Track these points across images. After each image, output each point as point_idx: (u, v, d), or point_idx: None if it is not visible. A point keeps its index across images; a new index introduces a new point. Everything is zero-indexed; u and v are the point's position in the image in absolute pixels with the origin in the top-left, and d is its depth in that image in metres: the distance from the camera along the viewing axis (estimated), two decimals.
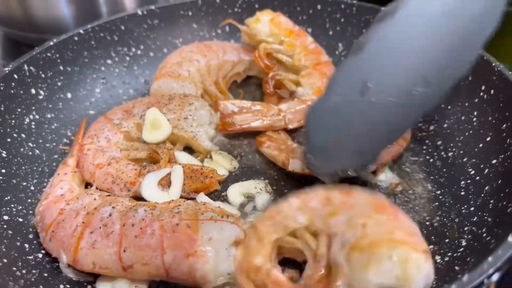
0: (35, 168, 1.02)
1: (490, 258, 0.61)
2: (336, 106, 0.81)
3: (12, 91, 1.04)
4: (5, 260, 0.76)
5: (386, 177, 0.99)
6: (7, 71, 1.03)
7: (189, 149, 1.07)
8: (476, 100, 1.02)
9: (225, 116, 1.09)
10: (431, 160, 1.04)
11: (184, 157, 1.02)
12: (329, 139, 0.84)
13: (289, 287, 0.71)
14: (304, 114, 0.96)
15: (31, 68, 1.09)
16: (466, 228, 0.84)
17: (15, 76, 1.05)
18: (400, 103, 0.78)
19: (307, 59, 1.20)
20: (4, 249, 0.79)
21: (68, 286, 0.80)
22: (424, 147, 1.08)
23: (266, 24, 1.24)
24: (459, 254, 0.78)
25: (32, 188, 0.98)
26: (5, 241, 0.81)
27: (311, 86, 1.15)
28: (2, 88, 1.01)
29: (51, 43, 1.14)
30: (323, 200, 0.79)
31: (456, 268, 0.75)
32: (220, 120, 1.09)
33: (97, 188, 0.96)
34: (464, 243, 0.81)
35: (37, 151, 1.05)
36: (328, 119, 0.83)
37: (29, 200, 0.95)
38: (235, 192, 0.96)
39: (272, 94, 1.17)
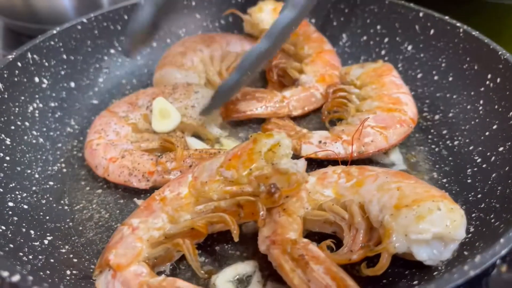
0: (39, 156, 1.01)
1: (502, 240, 0.61)
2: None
3: (15, 79, 1.03)
4: (11, 245, 0.75)
5: (397, 158, 1.00)
6: (10, 59, 1.02)
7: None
8: (482, 89, 1.02)
9: (229, 103, 1.08)
10: (437, 149, 1.04)
11: (196, 144, 1.02)
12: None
13: (329, 259, 0.72)
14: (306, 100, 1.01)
15: (35, 56, 1.08)
16: (473, 215, 0.84)
17: (19, 64, 1.04)
18: None
19: (310, 47, 1.21)
20: (10, 235, 0.78)
21: (74, 271, 0.79)
22: (430, 137, 1.08)
23: (268, 13, 1.24)
24: (467, 240, 0.78)
25: (37, 176, 0.98)
26: (11, 227, 0.81)
27: (314, 73, 1.15)
28: (5, 75, 1.00)
29: (54, 32, 1.14)
30: (343, 175, 0.84)
31: (465, 253, 0.75)
32: (224, 107, 1.09)
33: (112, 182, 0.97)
34: (472, 229, 0.81)
35: (41, 140, 1.04)
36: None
37: (34, 188, 0.95)
38: None
39: (276, 82, 1.17)
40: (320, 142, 0.98)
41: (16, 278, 0.58)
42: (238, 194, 0.76)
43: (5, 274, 0.59)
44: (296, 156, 0.98)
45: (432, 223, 0.69)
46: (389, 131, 0.97)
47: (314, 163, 0.99)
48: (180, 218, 0.79)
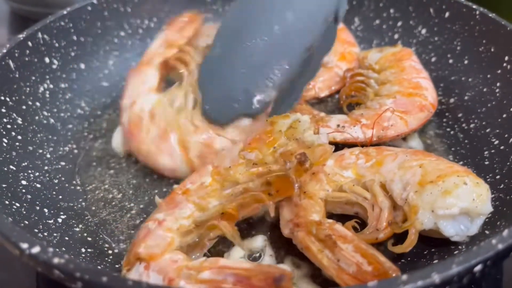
0: (50, 136, 1.00)
1: None
2: (221, 56, 0.94)
3: (26, 59, 1.02)
4: (26, 222, 0.74)
5: (415, 144, 0.99)
6: (21, 38, 1.01)
7: None
8: (499, 71, 1.01)
9: None
10: (452, 132, 1.03)
11: None
12: (219, 85, 0.93)
13: (356, 238, 0.71)
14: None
15: (45, 36, 1.07)
16: (493, 196, 0.83)
17: (29, 43, 1.03)
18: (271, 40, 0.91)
19: None
20: (24, 212, 0.77)
21: (89, 250, 0.78)
22: (444, 120, 1.07)
23: None
24: (487, 220, 0.77)
25: (48, 156, 0.97)
26: (25, 204, 0.80)
27: (334, 53, 1.14)
28: (16, 55, 0.99)
29: (65, 12, 1.12)
30: (362, 155, 0.83)
31: (487, 232, 0.74)
32: None
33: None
34: (492, 209, 0.80)
35: (52, 120, 1.03)
36: (215, 68, 0.94)
37: (46, 168, 0.94)
38: None
39: None
40: (338, 126, 0.96)
41: (36, 249, 0.57)
42: (265, 173, 0.74)
43: (25, 246, 0.58)
44: None
45: (459, 197, 0.69)
46: (409, 116, 0.96)
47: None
48: (208, 205, 0.76)
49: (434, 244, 0.77)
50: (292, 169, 0.73)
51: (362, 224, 0.79)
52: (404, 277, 0.52)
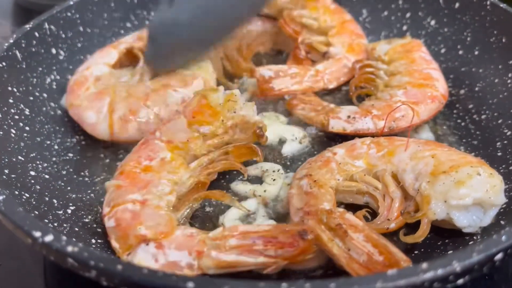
0: (57, 128, 1.00)
1: None
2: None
3: (33, 49, 1.01)
4: (36, 212, 0.74)
5: (426, 136, 0.98)
6: (28, 28, 1.00)
7: None
8: (511, 61, 1.00)
9: (263, 82, 1.04)
10: (463, 123, 1.02)
11: None
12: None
13: (367, 227, 0.70)
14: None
15: (52, 27, 1.06)
16: (506, 187, 0.82)
17: (36, 34, 1.02)
18: None
19: (332, 19, 1.19)
20: (34, 202, 0.76)
21: (100, 240, 0.78)
22: (455, 111, 1.06)
23: None
24: (501, 210, 0.76)
25: (56, 147, 0.96)
26: (34, 195, 0.79)
27: (342, 44, 1.13)
28: (23, 45, 0.98)
29: (71, 3, 1.11)
30: (373, 145, 0.82)
31: (502, 222, 0.73)
32: (258, 87, 1.05)
33: None
34: (506, 200, 0.79)
35: (59, 112, 1.03)
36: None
37: (54, 159, 0.93)
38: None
39: (305, 58, 1.14)
40: (349, 117, 0.95)
41: (49, 238, 0.56)
42: (221, 144, 0.85)
43: (38, 234, 0.57)
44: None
45: (472, 188, 0.68)
46: (420, 107, 0.95)
47: (339, 138, 0.97)
48: (182, 178, 0.81)
49: (448, 235, 0.76)
50: (250, 140, 0.85)
51: (373, 214, 0.79)
52: (424, 265, 0.52)
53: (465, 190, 0.68)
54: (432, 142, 0.82)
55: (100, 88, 0.99)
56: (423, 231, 0.70)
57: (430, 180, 0.71)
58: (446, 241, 0.76)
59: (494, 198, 0.68)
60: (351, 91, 1.06)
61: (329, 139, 0.98)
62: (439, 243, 0.76)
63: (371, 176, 0.79)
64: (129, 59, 1.11)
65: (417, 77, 1.00)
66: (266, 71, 1.06)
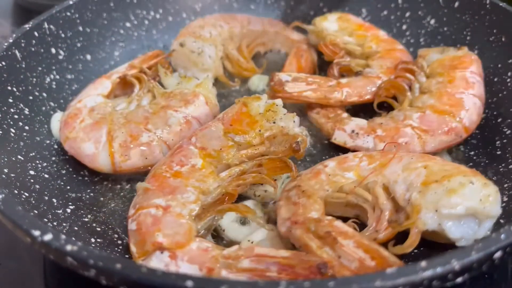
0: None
1: None
2: None
3: (32, 49, 1.01)
4: (35, 211, 0.74)
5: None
6: (27, 28, 1.00)
7: None
8: (510, 61, 1.00)
9: (277, 84, 1.00)
10: None
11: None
12: None
13: (357, 235, 0.68)
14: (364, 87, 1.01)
15: (51, 26, 1.06)
16: (506, 185, 0.82)
17: (36, 33, 1.02)
18: None
19: (379, 46, 1.12)
20: (33, 202, 0.77)
21: (99, 240, 0.78)
22: None
23: (333, 22, 1.19)
24: (501, 208, 0.76)
25: (56, 146, 0.96)
26: (34, 194, 0.79)
27: (380, 66, 1.06)
28: (23, 45, 0.98)
29: (71, 2, 1.11)
30: (365, 158, 0.80)
31: (501, 221, 0.73)
32: (271, 87, 1.02)
33: None
34: (505, 199, 0.79)
35: (59, 111, 1.02)
36: None
37: (53, 158, 0.93)
38: None
39: (337, 78, 1.06)
40: (353, 131, 0.93)
41: (48, 237, 0.56)
42: (255, 155, 0.82)
43: (37, 233, 0.57)
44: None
45: (465, 196, 0.66)
46: (429, 137, 0.90)
47: (337, 150, 0.97)
48: (210, 188, 0.78)
49: (440, 248, 0.73)
50: (285, 153, 0.82)
51: (363, 227, 0.76)
52: (423, 263, 0.52)
53: (457, 198, 0.65)
54: (426, 155, 0.79)
55: (96, 119, 0.94)
56: (412, 241, 0.67)
57: (421, 190, 0.69)
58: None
59: (489, 209, 0.66)
60: (378, 95, 1.00)
61: (331, 144, 0.98)
62: (437, 242, 0.76)
63: (361, 188, 0.77)
64: (122, 88, 1.07)
65: (444, 101, 0.92)
66: (284, 75, 1.02)
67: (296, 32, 1.28)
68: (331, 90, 1.01)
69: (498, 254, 0.54)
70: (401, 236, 0.71)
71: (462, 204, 0.66)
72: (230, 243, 0.79)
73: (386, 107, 1.03)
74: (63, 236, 0.56)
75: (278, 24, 1.29)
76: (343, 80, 1.04)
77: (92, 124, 0.93)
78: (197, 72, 1.15)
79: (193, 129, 0.92)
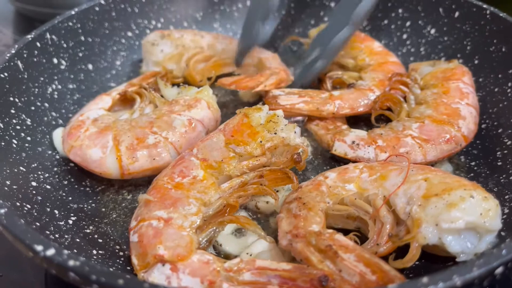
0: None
1: None
2: None
3: (34, 59, 1.01)
4: (37, 224, 0.74)
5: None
6: (30, 39, 1.00)
7: None
8: (511, 71, 1.00)
9: (271, 97, 1.03)
10: None
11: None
12: None
13: (358, 248, 0.68)
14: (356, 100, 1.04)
15: (53, 37, 1.07)
16: (507, 197, 0.83)
17: (38, 44, 1.02)
18: None
19: (372, 59, 1.14)
20: (35, 214, 0.77)
21: (100, 252, 0.78)
22: None
23: None
24: (502, 221, 0.76)
25: (58, 157, 0.96)
26: (36, 206, 0.79)
27: (372, 79, 1.07)
28: (25, 55, 0.99)
29: (73, 13, 1.12)
30: (365, 169, 0.80)
31: (503, 233, 0.73)
32: (264, 100, 1.03)
33: None
34: (506, 211, 0.79)
35: (60, 121, 1.03)
36: None
37: (55, 169, 0.93)
38: None
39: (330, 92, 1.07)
40: (353, 142, 0.94)
41: (50, 252, 0.57)
42: (256, 166, 0.82)
43: (39, 248, 0.57)
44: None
45: (465, 211, 0.66)
46: (429, 146, 0.90)
47: (337, 160, 0.97)
48: (211, 199, 0.78)
49: (441, 260, 0.74)
50: (286, 165, 0.82)
51: (363, 239, 0.76)
52: (425, 279, 0.52)
53: (457, 213, 0.66)
54: (427, 167, 0.79)
55: (101, 127, 0.94)
56: (412, 255, 0.67)
57: (422, 204, 0.69)
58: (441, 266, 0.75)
59: (489, 223, 0.66)
60: (374, 108, 1.01)
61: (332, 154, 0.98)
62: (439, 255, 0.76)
63: (362, 200, 0.77)
64: (122, 105, 1.08)
65: (442, 111, 0.94)
66: (278, 91, 1.04)
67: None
68: (323, 103, 1.02)
69: (499, 270, 0.54)
70: (402, 248, 0.71)
71: (463, 219, 0.66)
72: (227, 256, 0.79)
73: (382, 119, 1.04)
74: (66, 251, 0.56)
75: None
76: (335, 93, 1.05)
77: (97, 131, 0.94)
78: (151, 65, 1.18)
79: (198, 132, 0.94)
